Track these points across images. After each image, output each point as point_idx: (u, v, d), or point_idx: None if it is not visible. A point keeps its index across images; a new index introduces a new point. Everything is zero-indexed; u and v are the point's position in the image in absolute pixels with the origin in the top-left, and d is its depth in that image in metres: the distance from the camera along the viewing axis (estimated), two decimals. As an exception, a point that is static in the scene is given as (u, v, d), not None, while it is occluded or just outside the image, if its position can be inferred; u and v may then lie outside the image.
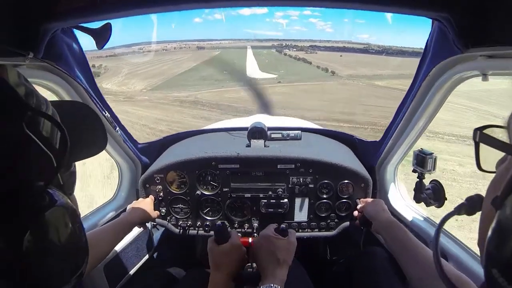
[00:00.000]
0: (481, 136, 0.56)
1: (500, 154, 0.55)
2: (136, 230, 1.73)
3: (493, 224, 0.44)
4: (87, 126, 0.74)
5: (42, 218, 0.52)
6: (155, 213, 1.72)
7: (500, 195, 0.45)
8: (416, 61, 1.31)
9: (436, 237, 0.61)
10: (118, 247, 1.57)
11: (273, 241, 1.17)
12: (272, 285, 0.99)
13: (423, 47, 1.23)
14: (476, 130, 0.57)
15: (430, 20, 1.06)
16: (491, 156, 0.56)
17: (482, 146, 0.57)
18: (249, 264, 1.33)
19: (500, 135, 0.53)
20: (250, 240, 1.49)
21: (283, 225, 1.27)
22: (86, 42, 1.15)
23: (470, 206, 0.66)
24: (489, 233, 0.44)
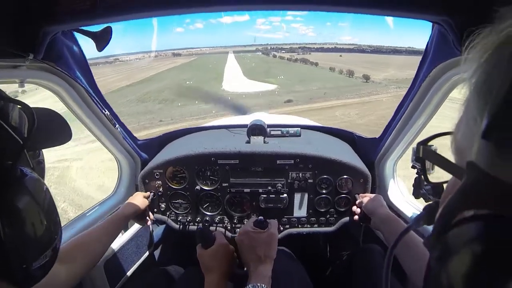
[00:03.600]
0: (424, 151, 0.50)
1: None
2: (136, 227, 1.73)
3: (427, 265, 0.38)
4: (50, 120, 0.82)
5: (15, 190, 0.57)
6: (145, 202, 1.62)
7: (431, 233, 0.37)
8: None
9: (389, 254, 0.54)
10: (118, 245, 1.57)
11: (252, 236, 1.16)
12: (257, 284, 0.98)
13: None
14: (419, 144, 0.51)
15: (431, 24, 1.06)
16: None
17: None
18: None
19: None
20: (233, 236, 1.47)
21: (261, 217, 1.27)
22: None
23: (429, 215, 0.57)
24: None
